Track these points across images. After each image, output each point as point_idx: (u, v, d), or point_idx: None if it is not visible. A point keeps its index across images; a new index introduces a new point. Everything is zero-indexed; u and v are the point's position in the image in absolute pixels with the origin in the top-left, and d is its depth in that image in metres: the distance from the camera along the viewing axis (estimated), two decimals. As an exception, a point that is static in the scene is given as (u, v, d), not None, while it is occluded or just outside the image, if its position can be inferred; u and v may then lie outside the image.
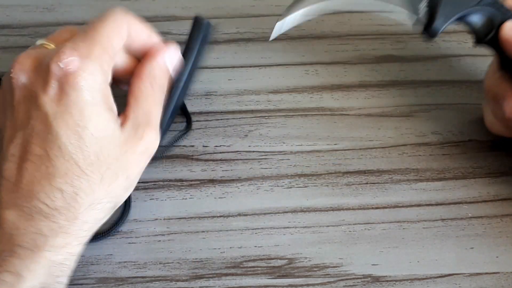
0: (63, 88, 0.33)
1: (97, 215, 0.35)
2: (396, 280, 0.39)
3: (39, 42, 0.37)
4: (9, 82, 0.35)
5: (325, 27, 0.49)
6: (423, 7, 0.40)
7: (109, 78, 0.35)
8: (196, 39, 0.41)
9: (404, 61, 0.48)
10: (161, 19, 0.50)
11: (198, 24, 0.41)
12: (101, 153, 0.34)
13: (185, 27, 0.49)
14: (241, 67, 0.47)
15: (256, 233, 0.41)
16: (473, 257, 0.40)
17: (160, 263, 0.40)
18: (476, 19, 0.40)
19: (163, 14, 0.50)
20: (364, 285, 0.39)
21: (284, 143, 0.44)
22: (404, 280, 0.39)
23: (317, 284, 0.39)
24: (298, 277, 0.39)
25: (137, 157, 0.36)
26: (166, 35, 0.48)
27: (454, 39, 0.49)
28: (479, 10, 0.39)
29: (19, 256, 0.32)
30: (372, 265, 0.40)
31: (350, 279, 0.39)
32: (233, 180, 0.43)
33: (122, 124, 0.36)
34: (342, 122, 0.45)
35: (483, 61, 0.44)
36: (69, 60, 0.33)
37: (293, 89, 0.46)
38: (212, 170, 0.43)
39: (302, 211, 0.42)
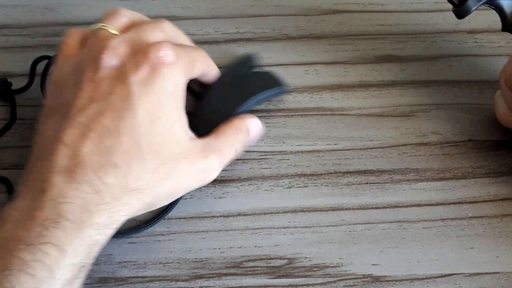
0: (153, 74, 0.35)
1: (136, 204, 0.35)
2: (396, 280, 0.39)
3: (97, 25, 0.39)
4: (93, 59, 0.36)
5: (325, 27, 0.49)
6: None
7: (187, 82, 0.38)
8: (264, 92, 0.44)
9: (404, 61, 0.48)
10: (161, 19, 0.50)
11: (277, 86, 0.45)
12: (164, 146, 0.35)
13: (185, 27, 0.49)
14: (241, 67, 0.47)
15: (256, 233, 0.41)
16: (473, 257, 0.40)
17: (160, 263, 0.39)
18: (506, 4, 0.39)
19: (163, 14, 0.50)
20: (364, 285, 0.39)
21: (284, 143, 0.44)
22: (404, 280, 0.39)
23: (317, 284, 0.39)
24: (298, 277, 0.39)
25: (192, 172, 0.37)
26: (166, 35, 0.49)
27: (454, 39, 0.49)
28: None
29: (65, 229, 0.31)
30: (372, 265, 0.40)
31: (350, 279, 0.39)
32: (233, 180, 0.43)
33: (195, 138, 0.38)
34: (342, 122, 0.45)
35: (483, 61, 0.44)
36: (168, 53, 0.36)
37: (293, 89, 0.46)
38: (212, 170, 0.43)
39: (302, 211, 0.42)
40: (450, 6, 0.50)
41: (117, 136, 0.34)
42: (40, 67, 0.46)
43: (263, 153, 0.44)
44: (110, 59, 0.36)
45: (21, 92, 0.46)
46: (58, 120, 0.35)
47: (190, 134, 0.38)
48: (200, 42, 0.48)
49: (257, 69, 0.45)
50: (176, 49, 0.37)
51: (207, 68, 0.42)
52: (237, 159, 0.43)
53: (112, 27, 0.39)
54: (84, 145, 0.33)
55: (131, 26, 0.39)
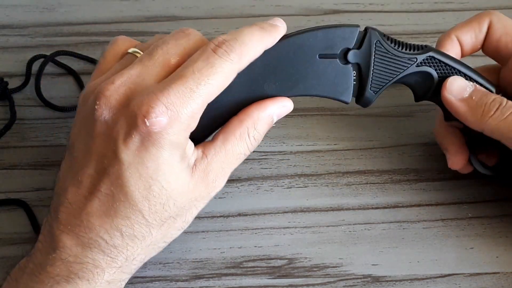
0: (144, 143, 0.32)
1: (150, 253, 0.35)
2: (396, 280, 0.39)
3: (132, 50, 0.36)
4: (92, 108, 0.33)
5: (325, 27, 0.49)
6: (351, 82, 0.36)
7: (193, 129, 0.34)
8: None
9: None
10: (161, 19, 0.50)
11: None
12: (167, 204, 0.33)
13: (185, 27, 0.49)
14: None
15: (256, 233, 0.41)
16: (473, 257, 0.40)
17: (160, 263, 0.39)
18: (412, 79, 0.37)
19: (163, 14, 0.50)
20: (364, 285, 0.39)
21: (284, 143, 0.44)
22: (404, 280, 0.39)
23: (317, 284, 0.39)
24: (298, 277, 0.39)
25: (198, 203, 0.36)
26: (166, 35, 0.49)
27: (454, 39, 0.49)
28: (415, 70, 0.37)
29: (76, 285, 0.32)
30: (372, 265, 0.40)
31: (350, 279, 0.39)
32: (233, 180, 0.43)
33: (196, 162, 0.34)
34: (342, 122, 0.45)
35: (483, 61, 0.44)
36: (157, 120, 0.31)
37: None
38: (212, 170, 0.43)
39: (302, 211, 0.42)
40: (450, 6, 0.51)
41: (114, 203, 0.32)
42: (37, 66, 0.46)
43: (263, 153, 0.44)
44: (102, 111, 0.33)
45: (17, 91, 0.46)
46: (68, 166, 0.34)
47: (191, 163, 0.34)
48: (200, 42, 0.48)
49: (351, 57, 0.36)
50: (170, 106, 0.32)
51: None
52: (237, 159, 0.43)
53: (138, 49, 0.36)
54: (86, 207, 0.33)
55: (153, 43, 0.36)
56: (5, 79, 0.46)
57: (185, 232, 0.40)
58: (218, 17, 0.50)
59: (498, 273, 0.39)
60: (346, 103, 0.36)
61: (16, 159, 0.43)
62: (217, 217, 0.41)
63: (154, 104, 0.31)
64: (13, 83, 0.46)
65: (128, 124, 0.32)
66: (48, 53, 0.47)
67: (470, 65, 0.38)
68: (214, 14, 0.50)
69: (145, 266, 0.39)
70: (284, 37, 0.35)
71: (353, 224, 0.41)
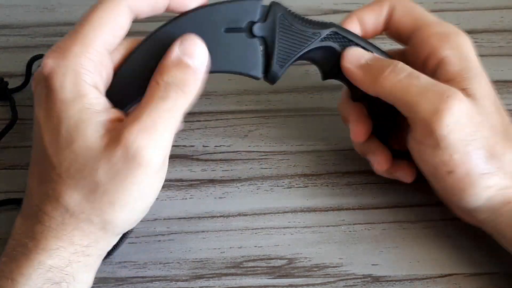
0: (43, 90, 0.32)
1: (85, 233, 0.32)
2: (396, 280, 0.39)
3: None
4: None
5: (325, 27, 0.49)
6: (259, 56, 0.36)
7: (94, 75, 0.32)
8: None
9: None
10: (161, 19, 0.49)
11: None
12: (76, 161, 0.31)
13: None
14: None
15: (256, 233, 0.41)
16: (473, 257, 0.40)
17: (160, 263, 0.39)
18: (318, 55, 0.37)
19: (163, 14, 0.50)
20: (364, 285, 0.39)
21: (284, 143, 0.44)
22: (404, 280, 0.39)
23: (317, 284, 0.39)
24: (298, 277, 0.39)
25: (119, 172, 0.31)
26: (166, 35, 0.49)
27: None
28: (319, 45, 0.36)
29: (15, 260, 0.31)
30: (372, 265, 0.40)
31: (350, 279, 0.39)
32: (233, 180, 0.43)
33: (110, 127, 0.32)
34: (342, 122, 0.45)
35: (482, 61, 0.44)
36: (45, 63, 0.32)
37: (293, 89, 0.46)
38: (212, 170, 0.43)
39: (302, 211, 0.42)
40: (450, 6, 0.51)
41: (41, 167, 0.33)
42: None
43: (263, 153, 0.44)
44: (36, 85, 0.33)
45: (17, 91, 0.46)
46: (38, 173, 0.34)
47: (105, 125, 0.32)
48: (200, 42, 0.48)
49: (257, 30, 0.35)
50: (56, 49, 0.32)
51: (130, 16, 0.35)
52: (237, 159, 0.43)
53: None
54: (30, 180, 0.33)
55: None
56: (5, 79, 0.46)
57: (185, 232, 0.41)
58: (218, 17, 0.50)
59: (498, 273, 0.39)
60: (257, 78, 0.36)
61: (16, 159, 0.43)
62: (217, 217, 0.41)
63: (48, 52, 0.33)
64: (13, 83, 0.46)
65: (35, 82, 0.33)
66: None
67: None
68: (214, 14, 0.50)
69: (145, 266, 0.39)
70: (188, 12, 0.35)
71: (353, 224, 0.41)
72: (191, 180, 0.43)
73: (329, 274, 0.39)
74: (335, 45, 0.37)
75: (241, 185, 0.42)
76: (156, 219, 0.41)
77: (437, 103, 0.33)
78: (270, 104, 0.46)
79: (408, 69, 0.35)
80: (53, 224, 0.32)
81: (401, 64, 0.35)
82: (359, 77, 0.36)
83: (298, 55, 0.36)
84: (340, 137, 0.44)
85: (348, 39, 0.37)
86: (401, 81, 0.35)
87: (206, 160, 0.43)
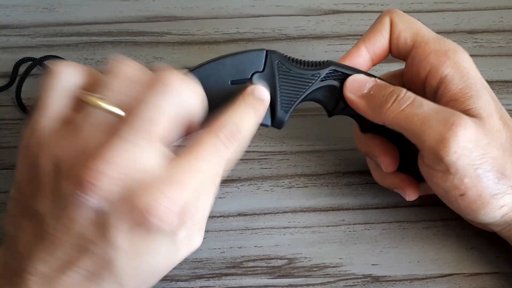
0: (145, 238, 0.29)
1: None
2: (396, 280, 0.39)
3: (85, 97, 0.29)
4: (70, 189, 0.28)
5: (325, 27, 0.49)
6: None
7: None
8: None
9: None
10: (161, 19, 0.50)
11: None
12: (152, 278, 0.31)
13: (185, 27, 0.49)
14: (241, 67, 0.47)
15: (256, 233, 0.41)
16: (473, 257, 0.40)
17: (160, 263, 0.39)
18: (320, 95, 0.37)
19: (163, 14, 0.50)
20: (364, 285, 0.39)
21: (284, 143, 0.44)
22: (404, 280, 0.39)
23: (317, 284, 0.39)
24: (298, 277, 0.39)
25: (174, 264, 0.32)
26: (166, 35, 0.49)
27: (454, 39, 0.49)
28: (320, 86, 0.36)
29: None
30: (372, 265, 0.40)
31: (350, 279, 0.39)
32: (233, 180, 0.43)
33: (178, 232, 0.30)
34: (342, 122, 0.45)
35: (482, 61, 0.44)
36: (169, 221, 0.28)
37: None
38: (212, 170, 0.43)
39: (302, 211, 0.42)
40: (450, 6, 0.51)
41: (96, 279, 0.29)
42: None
43: (263, 153, 0.44)
44: (92, 199, 0.28)
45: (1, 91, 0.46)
46: (32, 232, 0.30)
47: (177, 237, 0.31)
48: (200, 42, 0.48)
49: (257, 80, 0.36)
50: (186, 206, 0.29)
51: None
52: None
53: (112, 105, 0.29)
54: (64, 279, 0.29)
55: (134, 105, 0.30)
56: (5, 79, 0.46)
57: (185, 232, 0.41)
58: (218, 17, 0.50)
59: (498, 273, 0.39)
60: (267, 126, 0.36)
61: (16, 159, 0.43)
62: (217, 217, 0.41)
63: (168, 205, 0.28)
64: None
65: (131, 219, 0.28)
66: (48, 53, 0.47)
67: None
68: (214, 14, 0.50)
69: (145, 266, 0.39)
70: (195, 68, 0.35)
71: (353, 224, 0.41)
72: (191, 180, 0.43)
73: (329, 274, 0.39)
74: (335, 82, 0.37)
75: (241, 185, 0.42)
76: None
77: (442, 131, 0.33)
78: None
79: (411, 96, 0.35)
80: None
81: (403, 93, 0.35)
82: (362, 106, 0.36)
83: (301, 98, 0.36)
84: (340, 137, 0.44)
85: (348, 75, 0.37)
86: (405, 111, 0.34)
87: (206, 160, 0.43)
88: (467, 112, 0.34)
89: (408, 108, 0.34)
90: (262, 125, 0.36)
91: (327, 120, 0.45)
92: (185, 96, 0.30)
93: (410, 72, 0.38)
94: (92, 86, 0.30)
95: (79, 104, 0.30)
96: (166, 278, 0.39)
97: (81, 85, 0.30)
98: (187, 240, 0.31)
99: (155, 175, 0.29)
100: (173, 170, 0.29)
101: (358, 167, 0.43)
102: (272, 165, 0.43)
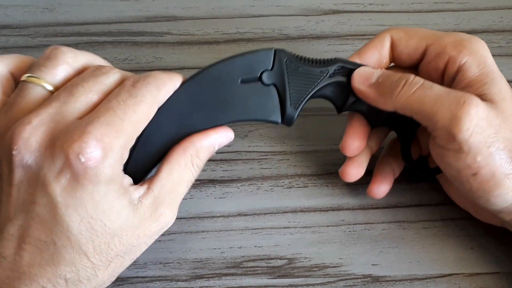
0: (79, 180, 0.30)
1: None
2: (396, 280, 0.39)
3: (25, 77, 0.33)
4: (6, 154, 0.31)
5: (325, 27, 0.49)
6: (276, 102, 0.37)
7: (124, 162, 0.33)
8: None
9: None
10: (161, 19, 0.50)
11: None
12: (112, 242, 0.32)
13: (185, 27, 0.49)
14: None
15: (256, 233, 0.41)
16: (473, 257, 0.40)
17: (160, 263, 0.40)
18: (329, 91, 0.38)
19: (163, 14, 0.50)
20: (364, 285, 0.39)
21: (284, 143, 0.44)
22: (404, 280, 0.39)
23: (317, 284, 0.39)
24: (298, 277, 0.39)
25: (148, 239, 0.34)
26: (166, 35, 0.49)
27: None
28: (329, 82, 0.37)
29: None
30: (372, 265, 0.40)
31: (350, 279, 0.39)
32: (233, 180, 0.43)
33: (142, 197, 0.34)
34: (342, 122, 0.45)
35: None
36: (92, 155, 0.30)
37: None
38: (212, 170, 0.43)
39: (302, 211, 0.42)
40: (450, 6, 0.51)
41: (56, 249, 0.31)
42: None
43: (263, 153, 0.44)
44: (23, 156, 0.30)
45: None
46: None
47: (135, 201, 0.33)
48: (200, 42, 0.48)
49: (267, 79, 0.37)
50: (103, 139, 0.31)
51: (160, 100, 0.35)
52: (237, 159, 0.43)
53: (45, 81, 0.33)
54: (22, 258, 0.30)
55: (71, 79, 0.34)
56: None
57: (185, 232, 0.41)
58: (218, 17, 0.50)
59: (498, 273, 0.39)
60: (277, 123, 0.37)
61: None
62: (217, 217, 0.41)
63: (86, 138, 0.30)
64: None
65: (58, 165, 0.30)
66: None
67: None
68: (214, 14, 0.50)
69: (145, 266, 0.39)
70: (204, 69, 0.36)
71: (353, 224, 0.41)
72: (191, 180, 0.43)
73: (329, 274, 0.39)
74: (343, 78, 0.37)
75: (241, 185, 0.42)
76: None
77: (454, 110, 0.33)
78: (270, 104, 0.46)
79: (420, 80, 0.35)
80: None
81: (412, 77, 0.35)
82: (372, 95, 0.36)
83: (310, 94, 0.37)
84: (340, 137, 0.44)
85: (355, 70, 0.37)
86: (416, 93, 0.35)
87: (206, 160, 0.43)
88: (481, 98, 0.35)
89: (419, 91, 0.35)
90: (272, 122, 0.37)
91: (327, 120, 0.45)
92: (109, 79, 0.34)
93: (427, 69, 0.38)
94: (27, 69, 0.34)
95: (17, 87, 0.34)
96: (166, 278, 0.39)
97: (15, 71, 0.34)
98: (151, 208, 0.34)
99: (74, 123, 0.31)
100: (89, 115, 0.32)
101: (358, 167, 0.43)
102: (272, 165, 0.43)
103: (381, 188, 0.40)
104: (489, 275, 0.39)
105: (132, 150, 0.34)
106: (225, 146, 0.37)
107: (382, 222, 0.41)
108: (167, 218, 0.35)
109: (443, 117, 0.34)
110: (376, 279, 0.39)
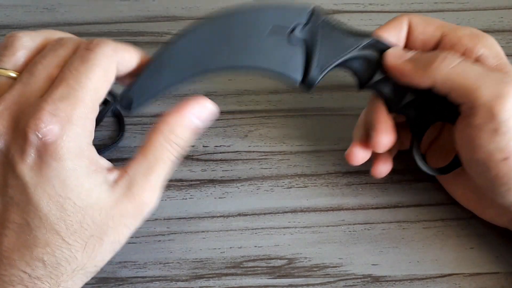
0: (42, 157, 0.30)
1: (81, 279, 0.33)
2: (396, 280, 0.39)
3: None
4: None
5: (325, 27, 0.49)
6: (300, 60, 0.35)
7: (93, 134, 0.33)
8: None
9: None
10: (161, 19, 0.50)
11: None
12: (84, 221, 0.31)
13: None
14: (241, 67, 0.47)
15: (256, 233, 0.41)
16: (473, 257, 0.40)
17: (160, 263, 0.40)
18: (357, 64, 0.37)
19: (163, 14, 0.50)
20: (364, 285, 0.39)
21: (284, 143, 0.44)
22: (404, 280, 0.39)
23: (317, 284, 0.39)
24: (298, 277, 0.39)
25: (126, 220, 0.33)
26: (166, 35, 0.49)
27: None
28: (359, 54, 0.36)
29: None
30: (372, 265, 0.40)
31: (350, 279, 0.39)
32: (233, 180, 0.43)
33: (117, 180, 0.33)
34: (342, 122, 0.45)
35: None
36: (48, 130, 0.30)
37: (293, 89, 0.46)
38: (212, 170, 0.43)
39: (302, 211, 0.42)
40: (450, 6, 0.51)
41: (30, 231, 0.31)
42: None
43: (263, 153, 0.44)
44: None
45: None
46: None
47: (108, 182, 0.33)
48: (200, 42, 0.48)
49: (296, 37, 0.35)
50: (58, 113, 0.30)
51: (116, 72, 0.34)
52: (237, 159, 0.43)
53: (5, 69, 0.33)
54: (1, 243, 0.31)
55: (32, 60, 0.34)
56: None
57: (185, 232, 0.41)
58: (218, 17, 0.50)
59: (498, 273, 0.39)
60: (296, 82, 0.36)
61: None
62: (217, 217, 0.41)
63: (40, 115, 0.30)
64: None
65: (21, 144, 0.30)
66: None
67: None
68: (214, 14, 0.50)
69: (145, 266, 0.39)
70: (235, 9, 0.35)
71: (353, 224, 0.41)
72: (191, 180, 0.43)
73: (329, 274, 0.39)
74: (375, 53, 0.36)
75: (241, 185, 0.42)
76: (156, 219, 0.41)
77: (498, 88, 0.33)
78: (270, 104, 0.46)
79: (460, 57, 0.35)
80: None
81: (452, 53, 0.35)
82: (408, 69, 0.35)
83: (338, 61, 0.36)
84: (340, 137, 0.44)
85: (388, 47, 0.37)
86: (456, 67, 0.34)
87: (206, 160, 0.43)
88: None
89: (461, 65, 0.34)
90: (290, 80, 0.35)
91: (327, 120, 0.45)
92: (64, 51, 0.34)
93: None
94: None
95: None
96: (166, 278, 0.39)
97: None
98: (124, 189, 0.33)
99: (35, 102, 0.31)
100: (46, 92, 0.31)
101: (358, 167, 0.43)
102: (272, 165, 0.43)
103: (361, 153, 0.39)
104: (489, 275, 0.39)
105: (139, 76, 0.33)
106: (212, 120, 0.36)
107: (382, 222, 0.41)
108: (144, 199, 0.33)
109: (487, 94, 0.33)
110: (376, 279, 0.39)
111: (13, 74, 0.33)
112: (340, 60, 0.36)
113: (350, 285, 0.39)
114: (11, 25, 0.49)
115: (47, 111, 0.30)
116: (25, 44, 0.34)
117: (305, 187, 0.43)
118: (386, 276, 0.39)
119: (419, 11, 0.50)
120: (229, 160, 0.43)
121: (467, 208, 0.40)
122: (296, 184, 0.43)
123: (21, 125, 0.31)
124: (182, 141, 0.34)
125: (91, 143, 0.33)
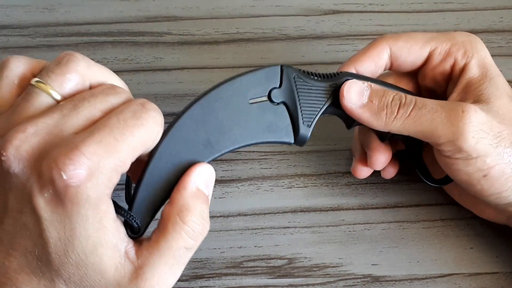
0: (60, 196, 0.28)
1: None
2: (396, 280, 0.39)
3: (35, 81, 0.31)
4: None
5: (325, 27, 0.49)
6: (288, 121, 0.35)
7: (113, 186, 0.30)
8: None
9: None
10: (161, 19, 0.50)
11: None
12: (85, 278, 0.30)
13: (185, 27, 0.49)
14: (241, 67, 0.47)
15: (256, 233, 0.41)
16: (473, 257, 0.40)
17: (160, 263, 0.39)
18: (338, 106, 0.36)
19: (163, 14, 0.50)
20: (364, 285, 0.39)
21: (284, 143, 0.44)
22: (404, 280, 0.39)
23: (317, 284, 0.39)
24: (298, 277, 0.39)
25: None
26: (166, 35, 0.49)
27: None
28: (336, 99, 0.35)
29: None
30: (372, 265, 0.40)
31: (350, 279, 0.39)
32: (233, 180, 0.43)
33: (128, 251, 0.31)
34: (342, 123, 0.45)
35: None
36: (75, 173, 0.28)
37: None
38: (212, 170, 0.43)
39: (302, 211, 0.42)
40: (450, 6, 0.51)
41: (37, 262, 0.29)
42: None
43: (263, 153, 0.44)
44: (11, 162, 0.29)
45: None
46: None
47: (119, 247, 0.30)
48: (200, 42, 0.48)
49: (276, 97, 0.35)
50: (91, 156, 0.28)
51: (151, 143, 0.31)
52: (237, 159, 0.43)
53: (52, 89, 0.31)
54: (11, 263, 0.29)
55: (80, 92, 0.31)
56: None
57: (185, 232, 0.41)
58: (218, 17, 0.50)
59: (498, 273, 0.39)
60: (290, 144, 0.35)
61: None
62: (217, 217, 0.41)
63: (72, 155, 0.28)
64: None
65: (42, 177, 0.28)
66: (49, 54, 0.47)
67: None
68: (214, 14, 0.50)
69: (145, 266, 0.39)
70: (209, 90, 0.34)
71: (353, 224, 0.41)
72: (191, 180, 0.43)
73: (329, 274, 0.39)
74: None
75: (241, 185, 0.43)
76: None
77: (454, 122, 0.34)
78: (270, 104, 0.46)
79: (412, 99, 0.35)
80: None
81: (405, 98, 0.35)
82: (365, 117, 0.36)
83: (322, 110, 0.36)
84: (340, 137, 0.44)
85: None
86: (411, 115, 0.35)
87: (206, 160, 0.43)
88: (479, 97, 0.35)
89: (414, 111, 0.35)
90: (284, 143, 0.35)
91: (327, 120, 0.45)
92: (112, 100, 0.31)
93: (432, 73, 0.38)
94: (38, 73, 0.32)
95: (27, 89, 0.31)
96: (166, 278, 0.39)
97: (28, 73, 0.32)
98: (133, 271, 0.30)
99: (69, 138, 0.29)
100: (84, 131, 0.29)
101: (358, 167, 0.43)
102: (272, 165, 0.43)
103: (364, 170, 0.40)
104: (488, 275, 0.39)
105: (137, 189, 0.32)
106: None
107: (382, 222, 0.41)
108: (151, 283, 0.31)
109: (445, 132, 0.34)
110: (376, 279, 0.39)
111: (57, 96, 0.31)
112: (323, 109, 0.35)
113: (350, 285, 0.39)
114: (11, 25, 0.49)
115: (82, 152, 0.28)
116: (79, 68, 0.31)
117: (305, 187, 0.43)
118: (386, 276, 0.39)
119: (419, 11, 0.50)
120: (229, 160, 0.43)
121: (466, 208, 0.40)
122: (296, 184, 0.43)
123: (48, 158, 0.28)
124: (200, 211, 0.32)
125: (110, 196, 0.30)
